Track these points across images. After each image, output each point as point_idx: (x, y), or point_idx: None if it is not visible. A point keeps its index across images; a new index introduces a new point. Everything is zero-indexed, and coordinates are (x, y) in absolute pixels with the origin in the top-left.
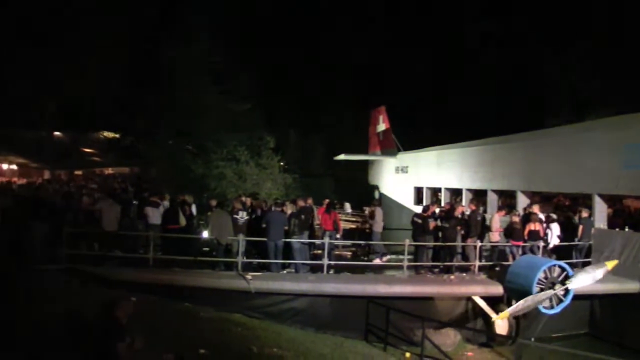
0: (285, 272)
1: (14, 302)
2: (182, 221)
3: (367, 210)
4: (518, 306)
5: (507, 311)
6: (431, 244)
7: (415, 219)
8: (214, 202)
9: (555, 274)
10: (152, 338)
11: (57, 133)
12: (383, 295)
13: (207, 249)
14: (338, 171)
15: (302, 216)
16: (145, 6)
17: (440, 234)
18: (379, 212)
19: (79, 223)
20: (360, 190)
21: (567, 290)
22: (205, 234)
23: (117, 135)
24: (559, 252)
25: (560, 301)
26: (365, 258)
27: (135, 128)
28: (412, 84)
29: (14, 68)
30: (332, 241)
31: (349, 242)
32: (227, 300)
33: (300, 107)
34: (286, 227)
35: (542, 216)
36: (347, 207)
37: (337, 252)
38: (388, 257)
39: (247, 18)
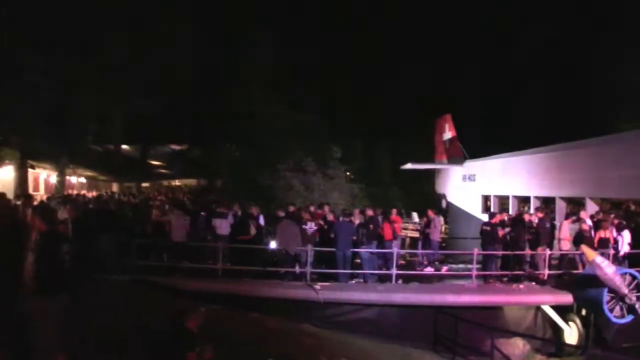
0: (353, 282)
1: (84, 312)
2: (252, 232)
3: (423, 219)
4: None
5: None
6: (500, 252)
7: (484, 227)
8: (282, 213)
9: (626, 282)
10: (221, 348)
11: (124, 146)
12: (451, 304)
13: (275, 259)
14: (404, 180)
15: (370, 226)
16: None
17: (508, 243)
18: (437, 221)
19: (148, 234)
20: (427, 199)
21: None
22: (273, 245)
23: (184, 147)
24: (630, 260)
25: (631, 310)
26: (420, 267)
27: (201, 140)
28: (477, 91)
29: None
30: (400, 251)
31: (417, 252)
32: (296, 311)
33: (366, 116)
34: (354, 237)
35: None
36: (414, 216)
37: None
38: (447, 266)
39: (312, 29)
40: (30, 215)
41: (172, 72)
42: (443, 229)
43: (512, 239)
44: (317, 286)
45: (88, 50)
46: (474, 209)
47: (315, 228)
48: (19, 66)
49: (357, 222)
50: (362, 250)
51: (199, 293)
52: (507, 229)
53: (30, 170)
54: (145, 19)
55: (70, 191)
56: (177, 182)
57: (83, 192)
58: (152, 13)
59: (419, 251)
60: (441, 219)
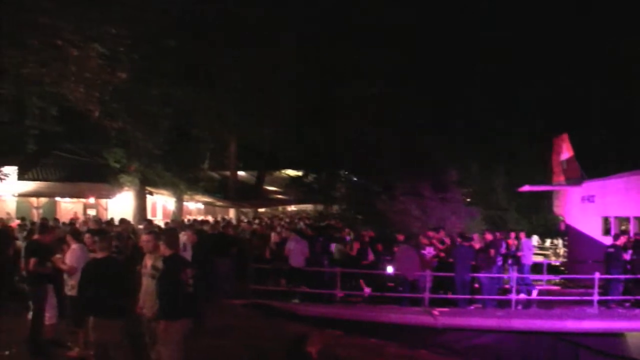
0: (472, 307)
1: (203, 336)
2: (370, 257)
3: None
4: None
5: None
6: (622, 276)
7: (609, 249)
8: (400, 237)
9: None
10: None
11: (240, 172)
12: (572, 331)
13: (392, 284)
14: (521, 202)
15: (491, 250)
16: (317, 46)
17: (630, 266)
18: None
19: (266, 259)
20: (544, 221)
21: None
22: (390, 270)
23: (300, 173)
24: None
25: None
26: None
27: (317, 166)
28: (592, 112)
29: (200, 110)
30: (522, 275)
31: (538, 277)
32: (413, 336)
33: (481, 139)
34: (473, 262)
35: None
36: (532, 239)
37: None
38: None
39: (419, 53)
40: (151, 240)
41: (285, 98)
42: (561, 252)
43: (634, 262)
44: (435, 312)
45: (203, 80)
46: (593, 231)
47: (433, 253)
48: (139, 95)
49: (477, 246)
50: (481, 275)
51: (316, 318)
52: (630, 252)
53: (148, 196)
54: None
55: (187, 217)
56: (292, 208)
57: (201, 217)
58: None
59: (529, 276)
60: (559, 241)
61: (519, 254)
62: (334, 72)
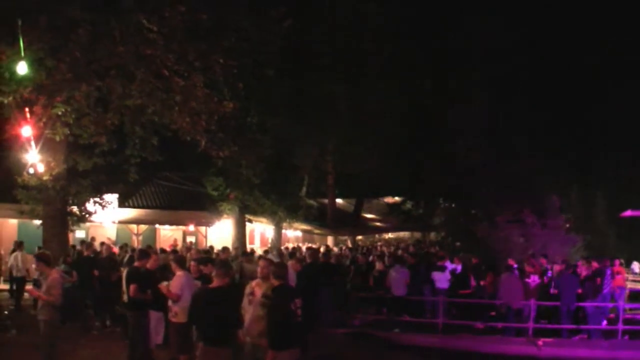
0: (577, 338)
1: None
2: (472, 285)
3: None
4: None
5: None
6: None
7: None
8: (504, 265)
9: None
10: None
11: (338, 200)
12: None
13: (495, 313)
14: (622, 228)
15: (597, 279)
16: (419, 70)
17: None
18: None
19: (368, 288)
20: None
21: None
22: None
23: (397, 201)
24: None
25: None
26: None
27: (415, 193)
28: None
29: (299, 138)
30: (629, 305)
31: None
32: None
33: (581, 163)
34: (579, 291)
35: None
36: (636, 266)
37: None
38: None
39: (524, 78)
40: (266, 267)
41: (387, 127)
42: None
43: None
44: (540, 342)
45: (304, 109)
46: None
47: (538, 281)
48: (242, 124)
49: (583, 274)
50: (587, 304)
51: (418, 348)
52: None
53: (247, 223)
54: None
55: (286, 244)
56: (390, 235)
57: (300, 245)
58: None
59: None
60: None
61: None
62: (435, 98)
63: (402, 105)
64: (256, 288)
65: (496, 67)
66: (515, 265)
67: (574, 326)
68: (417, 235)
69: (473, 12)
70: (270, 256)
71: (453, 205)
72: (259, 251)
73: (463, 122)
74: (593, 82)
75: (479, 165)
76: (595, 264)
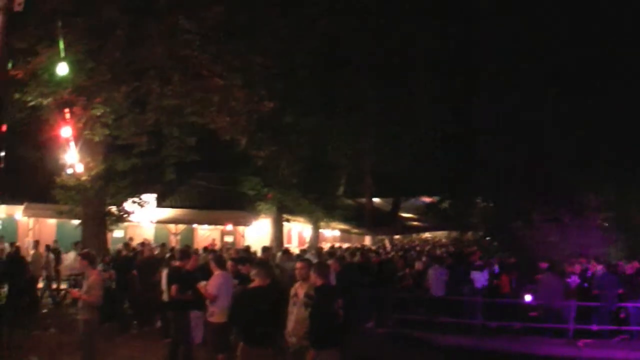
0: (618, 339)
1: None
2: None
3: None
4: None
5: None
6: None
7: None
8: (543, 265)
9: None
10: None
11: (376, 199)
12: None
13: (534, 314)
14: None
15: (639, 278)
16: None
17: None
18: None
19: (407, 287)
20: None
21: None
22: (526, 298)
23: (434, 200)
24: None
25: None
26: None
27: (453, 192)
28: None
29: (335, 138)
30: None
31: None
32: None
33: (619, 161)
34: (620, 291)
35: None
36: None
37: None
38: None
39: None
40: (304, 268)
41: (423, 125)
42: None
43: None
44: (580, 343)
45: (341, 109)
46: None
47: (578, 281)
48: (280, 123)
49: (627, 272)
50: (629, 305)
51: (456, 349)
52: None
53: (284, 223)
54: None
55: (323, 244)
56: (427, 235)
57: (338, 244)
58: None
59: None
60: None
61: None
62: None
63: (436, 103)
64: (299, 289)
65: (535, 64)
66: (547, 266)
67: (615, 327)
68: (454, 234)
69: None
70: (308, 256)
71: (490, 204)
72: (296, 251)
73: (497, 121)
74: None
75: (515, 164)
76: (636, 264)
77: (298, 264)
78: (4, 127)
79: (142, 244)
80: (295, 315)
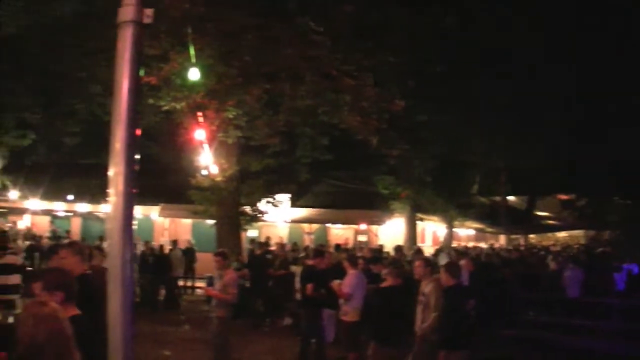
0: None
1: None
2: None
3: None
4: None
5: None
6: None
7: None
8: None
9: None
10: None
11: (511, 197)
12: None
13: None
14: None
15: None
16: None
17: None
18: None
19: (543, 288)
20: None
21: None
22: None
23: (571, 197)
24: None
25: None
26: None
27: (590, 189)
28: None
29: (469, 136)
30: None
31: None
32: None
33: None
34: None
35: None
36: None
37: None
38: None
39: None
40: (420, 266)
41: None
42: None
43: None
44: None
45: (473, 106)
46: None
47: None
48: (411, 121)
49: None
50: None
51: (591, 353)
52: None
53: (418, 222)
54: None
55: (457, 243)
56: (563, 234)
57: (472, 244)
58: None
59: None
60: None
61: None
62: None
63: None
64: (425, 288)
65: None
66: None
67: None
68: (591, 233)
69: None
70: (442, 255)
71: (628, 202)
72: (430, 250)
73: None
74: None
75: None
76: None
77: (416, 262)
78: (139, 131)
79: (278, 243)
80: (424, 314)
